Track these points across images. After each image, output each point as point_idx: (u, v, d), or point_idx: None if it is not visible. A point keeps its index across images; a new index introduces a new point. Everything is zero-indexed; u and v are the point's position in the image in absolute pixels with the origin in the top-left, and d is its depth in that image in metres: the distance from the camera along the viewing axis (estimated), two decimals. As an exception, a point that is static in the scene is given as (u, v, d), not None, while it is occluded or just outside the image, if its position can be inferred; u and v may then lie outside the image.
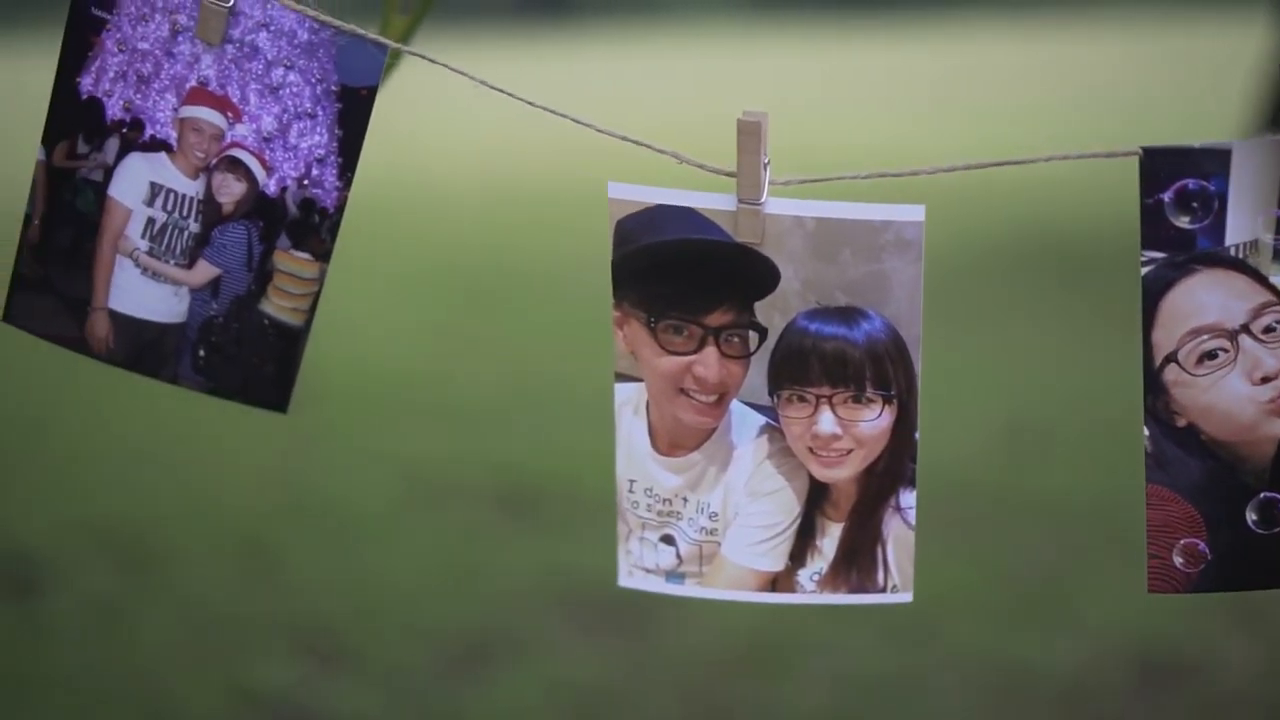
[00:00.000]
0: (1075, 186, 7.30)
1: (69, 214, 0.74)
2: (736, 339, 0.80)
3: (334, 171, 0.74)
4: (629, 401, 0.84)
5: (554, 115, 0.79)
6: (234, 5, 0.71)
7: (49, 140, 0.74)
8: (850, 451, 0.81)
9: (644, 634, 3.06)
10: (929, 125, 10.58)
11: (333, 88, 0.74)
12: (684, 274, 0.80)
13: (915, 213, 0.79)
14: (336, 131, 0.74)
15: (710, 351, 0.80)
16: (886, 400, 0.80)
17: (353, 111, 0.74)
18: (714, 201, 0.79)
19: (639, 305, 0.81)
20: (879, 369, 0.80)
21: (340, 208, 0.75)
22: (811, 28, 15.30)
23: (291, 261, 0.74)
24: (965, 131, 10.09)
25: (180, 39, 0.72)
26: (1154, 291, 0.76)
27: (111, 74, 0.72)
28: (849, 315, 0.80)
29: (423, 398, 4.60)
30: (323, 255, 0.75)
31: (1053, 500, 3.84)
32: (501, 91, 0.73)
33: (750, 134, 0.77)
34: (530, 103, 0.75)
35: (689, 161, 0.78)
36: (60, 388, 4.17)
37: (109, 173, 0.74)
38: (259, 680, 2.84)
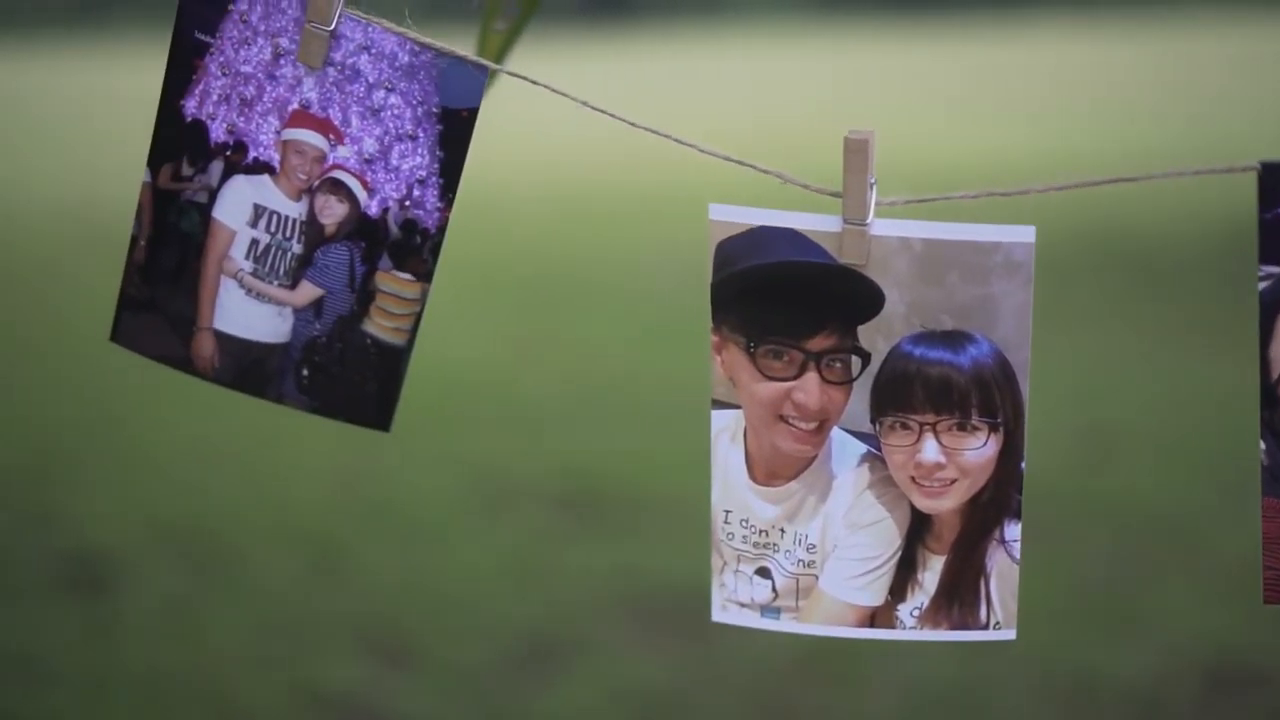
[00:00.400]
0: (1169, 195, 7.14)
1: (174, 236, 0.74)
2: (838, 364, 0.78)
3: (435, 192, 0.74)
4: (726, 429, 0.82)
5: (649, 132, 0.77)
6: (335, 29, 0.71)
7: (154, 163, 0.74)
8: (954, 481, 0.79)
9: (707, 637, 3.06)
10: (1021, 130, 10.35)
11: (434, 110, 0.73)
12: (785, 297, 0.78)
13: (1025, 234, 0.76)
14: (438, 153, 0.73)
15: (811, 377, 0.78)
16: (992, 428, 0.77)
17: (454, 133, 0.73)
18: (818, 223, 0.76)
19: (738, 329, 0.79)
20: (985, 395, 0.77)
21: (441, 228, 0.74)
22: (890, 25, 14.93)
23: (393, 282, 0.74)
24: (1065, 137, 9.84)
25: (282, 62, 0.72)
26: (1271, 306, 0.73)
27: (215, 97, 0.72)
28: (955, 340, 0.77)
29: (489, 401, 4.64)
30: (424, 275, 0.74)
31: (1126, 508, 3.78)
32: (604, 112, 0.72)
33: (857, 152, 0.75)
34: (632, 123, 0.74)
35: (793, 181, 0.76)
36: (135, 390, 4.28)
37: (213, 195, 0.74)
38: (326, 679, 2.88)
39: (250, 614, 3.13)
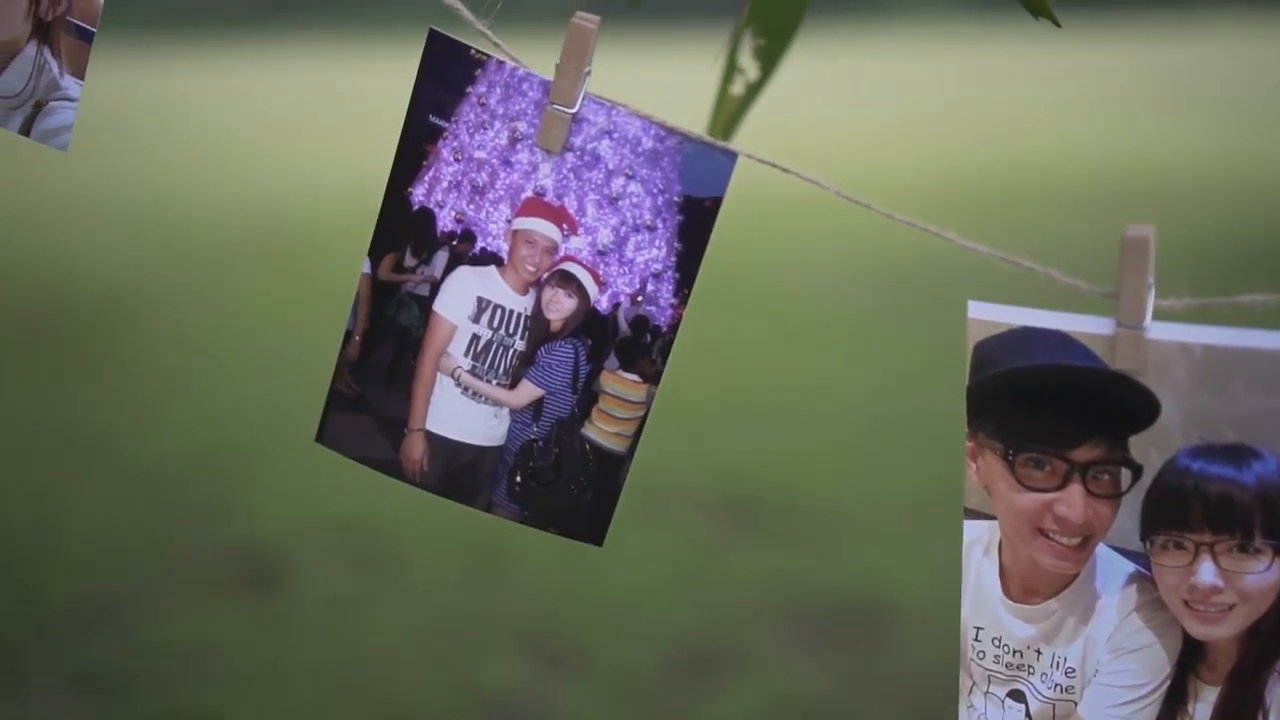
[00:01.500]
0: None
1: (391, 330, 0.71)
2: (1106, 476, 0.71)
3: (670, 288, 0.69)
4: (979, 540, 0.77)
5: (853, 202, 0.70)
6: (578, 112, 0.66)
7: (375, 252, 0.71)
8: (1232, 607, 0.72)
9: (869, 647, 3.00)
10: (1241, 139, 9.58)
11: (675, 198, 0.68)
12: (1049, 403, 0.72)
13: (1322, 342, 0.68)
14: (676, 245, 0.68)
15: (1075, 489, 0.72)
16: (1277, 551, 0.70)
17: (695, 223, 0.68)
18: (1088, 325, 0.70)
19: (996, 435, 0.73)
20: (1271, 516, 0.70)
21: (674, 327, 0.69)
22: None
23: (619, 383, 0.69)
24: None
25: (519, 147, 0.68)
26: None
27: (445, 184, 0.69)
28: (1238, 454, 0.70)
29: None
30: (652, 377, 0.69)
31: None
32: (814, 183, 0.66)
33: (1136, 251, 0.70)
34: (838, 193, 0.67)
35: (1065, 282, 0.69)
36: (302, 389, 4.42)
37: (435, 287, 0.70)
38: (488, 680, 2.92)
39: (414, 614, 3.21)
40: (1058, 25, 0.79)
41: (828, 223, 6.65)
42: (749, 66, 0.90)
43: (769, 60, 0.90)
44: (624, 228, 0.68)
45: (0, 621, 3.26)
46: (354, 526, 3.68)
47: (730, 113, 0.91)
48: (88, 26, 0.73)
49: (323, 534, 3.68)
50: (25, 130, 0.75)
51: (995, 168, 9.04)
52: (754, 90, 0.90)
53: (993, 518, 0.75)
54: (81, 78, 0.73)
